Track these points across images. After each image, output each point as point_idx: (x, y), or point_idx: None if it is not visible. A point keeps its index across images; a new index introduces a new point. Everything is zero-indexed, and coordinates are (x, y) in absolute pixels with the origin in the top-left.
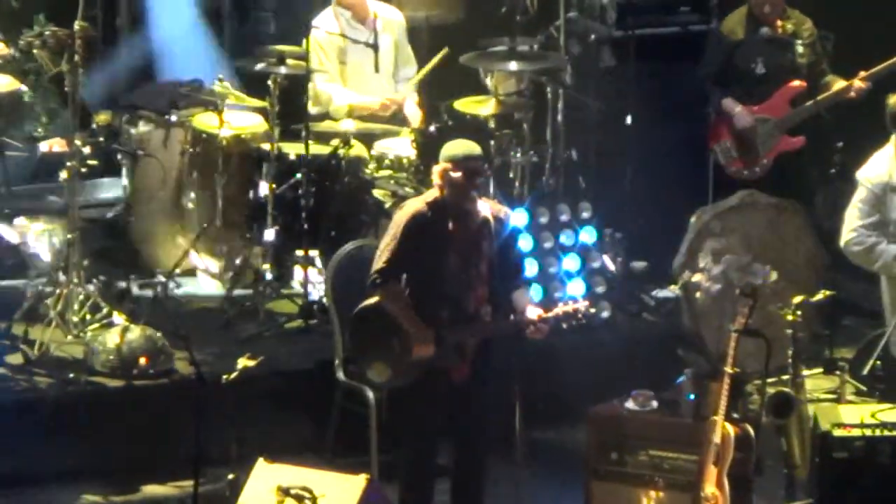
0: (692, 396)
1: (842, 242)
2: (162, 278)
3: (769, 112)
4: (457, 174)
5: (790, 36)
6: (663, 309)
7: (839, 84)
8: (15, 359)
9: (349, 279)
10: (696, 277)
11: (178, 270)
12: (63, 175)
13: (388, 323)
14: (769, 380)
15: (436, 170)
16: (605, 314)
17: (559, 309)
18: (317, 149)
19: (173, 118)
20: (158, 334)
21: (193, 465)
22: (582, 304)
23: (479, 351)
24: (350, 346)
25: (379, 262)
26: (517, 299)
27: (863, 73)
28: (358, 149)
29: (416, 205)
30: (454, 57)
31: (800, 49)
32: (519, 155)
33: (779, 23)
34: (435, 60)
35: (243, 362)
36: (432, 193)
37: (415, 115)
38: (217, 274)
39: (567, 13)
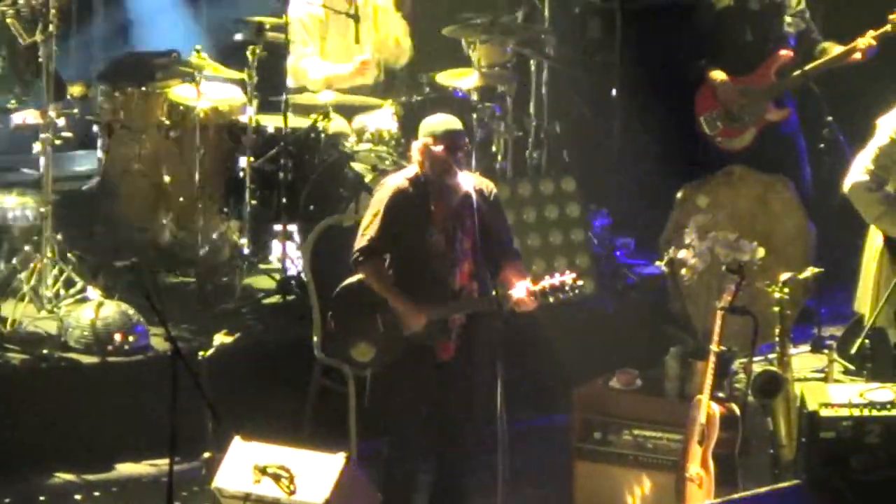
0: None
1: (848, 183)
2: (138, 253)
3: (756, 82)
4: (438, 148)
5: (778, 5)
6: (648, 286)
7: (837, 49)
8: None
9: (328, 254)
10: (682, 254)
11: (154, 245)
12: (37, 147)
13: (372, 301)
14: (755, 358)
15: (415, 146)
16: (590, 291)
17: (546, 282)
18: (296, 121)
19: (149, 90)
20: (133, 310)
21: (169, 444)
22: (569, 277)
23: (466, 328)
24: (333, 326)
25: (362, 239)
26: (506, 274)
27: (871, 32)
28: (338, 122)
29: (397, 181)
30: (437, 28)
31: (788, 18)
32: (502, 128)
33: None
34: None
35: (220, 338)
36: (412, 169)
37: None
38: (194, 248)
39: None
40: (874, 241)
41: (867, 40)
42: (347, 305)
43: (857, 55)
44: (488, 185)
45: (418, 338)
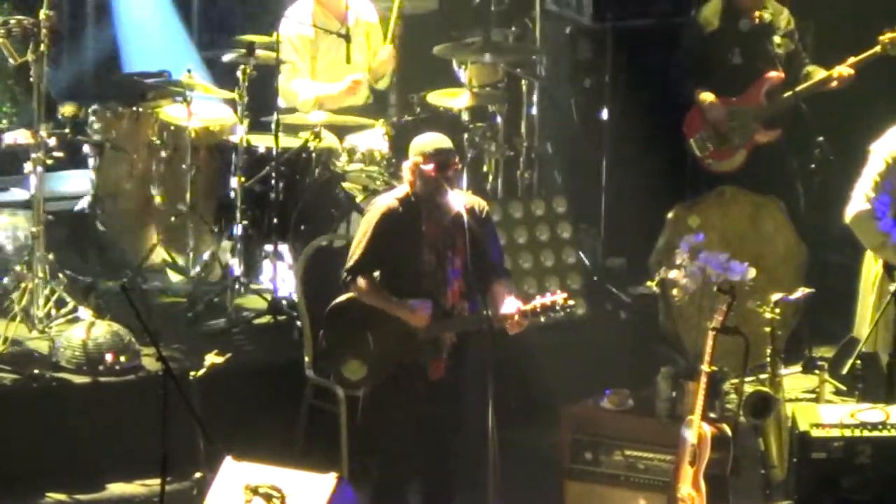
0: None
1: (850, 213)
2: (129, 273)
3: (745, 103)
4: (428, 167)
5: (767, 26)
6: (640, 306)
7: (821, 74)
8: None
9: (319, 274)
10: (673, 274)
11: (145, 265)
12: (28, 167)
13: (362, 319)
14: (747, 379)
15: (406, 165)
16: (581, 311)
17: (537, 302)
18: (287, 141)
19: (140, 109)
20: (125, 330)
21: (161, 464)
22: (560, 297)
23: (457, 347)
24: (324, 345)
25: (350, 260)
26: (496, 293)
27: (852, 59)
28: (329, 141)
29: (386, 201)
30: (428, 48)
31: (777, 39)
32: (493, 148)
33: (756, 13)
34: (394, 12)
35: (211, 359)
36: (403, 189)
37: (387, 57)
38: (185, 268)
39: (543, 3)
40: (872, 266)
41: (844, 69)
42: (338, 324)
43: (834, 83)
44: (480, 204)
45: (410, 355)
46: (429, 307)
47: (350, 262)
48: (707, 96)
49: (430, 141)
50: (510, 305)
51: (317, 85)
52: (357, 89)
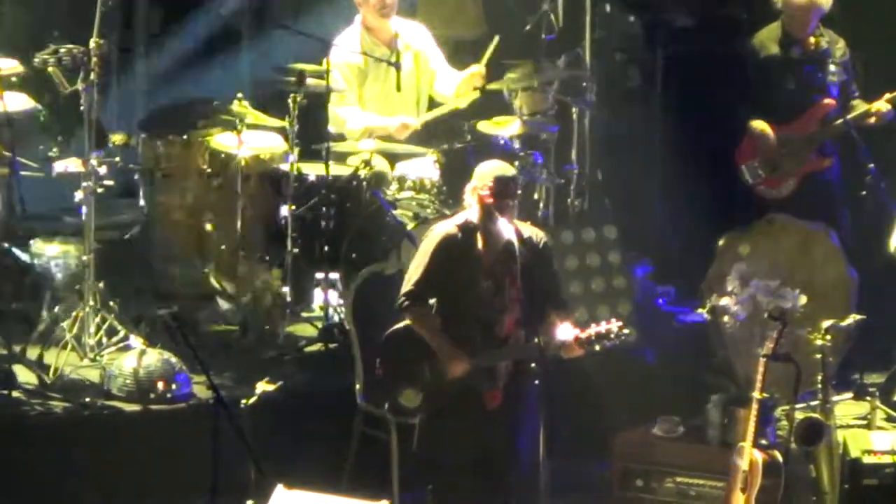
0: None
1: (895, 242)
2: (180, 301)
3: (798, 131)
4: (484, 192)
5: (823, 54)
6: (691, 333)
7: (863, 108)
8: (30, 382)
9: (370, 302)
10: (724, 301)
11: (195, 293)
12: (79, 195)
13: (419, 347)
14: (798, 406)
15: (467, 188)
16: (632, 338)
17: (592, 330)
18: (337, 169)
19: (191, 138)
20: (176, 358)
21: (211, 492)
22: (615, 325)
23: (512, 376)
24: (380, 373)
25: (408, 284)
26: (552, 323)
27: (888, 95)
28: (380, 168)
29: (446, 227)
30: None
31: (832, 68)
32: (544, 176)
33: (811, 41)
34: (489, 52)
35: (262, 386)
36: (463, 216)
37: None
38: (236, 296)
39: (594, 32)
40: None
41: (882, 104)
42: (394, 352)
43: (872, 119)
44: (538, 234)
45: (466, 384)
46: (467, 365)
47: (409, 287)
48: (759, 124)
49: (494, 168)
50: (566, 332)
51: (367, 115)
52: (403, 132)
